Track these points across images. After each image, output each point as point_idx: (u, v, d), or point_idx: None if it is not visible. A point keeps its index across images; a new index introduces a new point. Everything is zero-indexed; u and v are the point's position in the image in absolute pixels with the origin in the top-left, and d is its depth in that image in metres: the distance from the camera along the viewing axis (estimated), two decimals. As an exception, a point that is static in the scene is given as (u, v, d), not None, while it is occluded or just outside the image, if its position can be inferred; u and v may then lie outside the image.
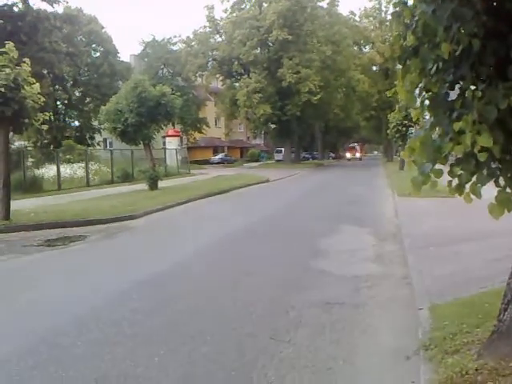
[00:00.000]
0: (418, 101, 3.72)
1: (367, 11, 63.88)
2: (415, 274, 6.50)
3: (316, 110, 47.65)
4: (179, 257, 8.33)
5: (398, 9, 3.63)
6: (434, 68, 3.37)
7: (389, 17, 54.52)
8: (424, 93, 3.63)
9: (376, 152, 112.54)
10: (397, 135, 33.68)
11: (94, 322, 5.15)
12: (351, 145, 78.02)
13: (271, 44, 47.07)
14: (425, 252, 7.80)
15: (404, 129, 32.27)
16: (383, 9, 61.74)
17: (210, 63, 52.24)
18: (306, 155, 68.40)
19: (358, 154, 71.85)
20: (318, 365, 4.05)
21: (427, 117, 3.80)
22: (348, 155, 71.65)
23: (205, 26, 51.92)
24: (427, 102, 3.64)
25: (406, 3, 3.57)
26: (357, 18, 63.65)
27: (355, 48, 60.51)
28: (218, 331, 4.85)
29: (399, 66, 3.76)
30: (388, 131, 36.06)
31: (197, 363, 4.14)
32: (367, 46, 64.11)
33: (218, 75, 53.12)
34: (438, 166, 3.40)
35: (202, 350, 4.38)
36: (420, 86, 3.62)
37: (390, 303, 5.70)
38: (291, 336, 4.63)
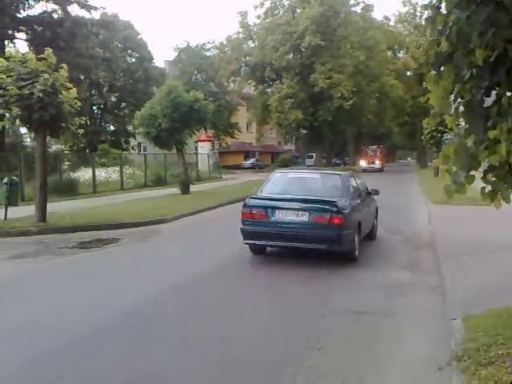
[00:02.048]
0: (453, 107, 3.67)
1: (401, 16, 63.16)
2: (448, 283, 6.38)
3: (348, 116, 47.30)
4: (210, 261, 8.37)
5: (431, 14, 3.59)
6: (468, 74, 3.32)
7: (424, 22, 53.75)
8: (459, 99, 3.58)
9: (409, 158, 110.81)
10: (431, 141, 33.18)
11: (125, 324, 5.23)
12: (368, 148, 53.09)
13: (304, 49, 47.00)
14: (459, 260, 7.65)
15: (438, 135, 31.75)
16: (418, 14, 60.89)
17: (242, 69, 52.60)
18: (338, 161, 67.82)
19: (377, 162, 49.44)
20: (348, 373, 4.01)
21: (462, 123, 3.74)
22: (363, 164, 49.65)
23: (238, 32, 52.35)
24: (462, 109, 3.58)
25: (440, 9, 3.52)
26: (391, 23, 63.05)
27: (389, 53, 59.84)
28: (248, 335, 4.86)
29: (433, 72, 3.71)
30: (422, 137, 35.57)
31: (226, 368, 4.16)
32: (401, 51, 63.29)
33: (250, 81, 53.42)
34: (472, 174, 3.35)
35: (230, 355, 4.39)
36: (454, 92, 3.57)
37: (422, 312, 5.61)
38: (321, 344, 4.60)
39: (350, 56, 46.06)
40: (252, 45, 52.70)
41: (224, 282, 7.10)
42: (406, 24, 62.92)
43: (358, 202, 8.97)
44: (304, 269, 7.74)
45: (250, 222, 8.28)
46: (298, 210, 7.99)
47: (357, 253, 8.22)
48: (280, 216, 8.05)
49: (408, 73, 61.25)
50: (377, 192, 10.78)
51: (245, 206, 8.44)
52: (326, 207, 7.88)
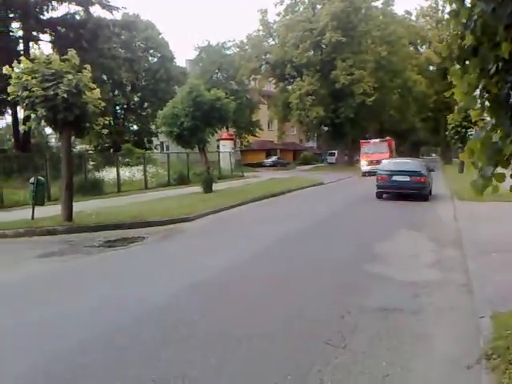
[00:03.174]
0: (478, 102, 3.61)
1: (423, 10, 62.42)
2: (476, 281, 6.28)
3: (370, 112, 46.92)
4: (235, 258, 8.41)
5: (455, 7, 3.54)
6: (494, 68, 3.26)
7: (446, 16, 52.98)
8: (484, 93, 3.52)
9: (434, 154, 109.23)
10: (455, 137, 32.71)
11: (152, 322, 5.29)
12: (370, 142, 37.86)
13: (324, 46, 46.77)
14: (486, 258, 7.53)
15: (463, 130, 31.29)
16: (440, 8, 60.05)
17: (263, 67, 52.60)
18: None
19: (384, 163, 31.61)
20: (374, 371, 3.99)
21: (488, 118, 3.68)
22: (363, 165, 35.30)
23: (258, 30, 52.38)
24: (487, 104, 3.53)
25: (464, 2, 3.46)
26: (413, 18, 62.35)
27: (411, 48, 59.16)
28: (273, 334, 4.87)
29: (457, 67, 3.66)
30: (446, 133, 35.07)
31: (252, 366, 4.17)
32: (424, 46, 62.48)
33: (270, 78, 53.40)
34: (500, 170, 3.28)
35: (257, 353, 4.41)
36: (479, 86, 3.51)
37: (450, 310, 5.54)
38: (347, 342, 4.58)
39: (372, 51, 45.68)
40: (272, 42, 52.67)
41: (242, 280, 7.11)
42: (428, 18, 62.15)
43: (428, 173, 18.38)
44: (327, 264, 7.73)
45: (380, 181, 18.15)
46: (403, 175, 17.67)
47: (429, 197, 18.00)
48: (394, 178, 17.69)
49: (431, 67, 60.51)
50: (433, 169, 21.57)
51: (377, 174, 18.56)
52: (417, 172, 17.64)
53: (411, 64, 53.57)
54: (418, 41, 61.55)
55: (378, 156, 32.66)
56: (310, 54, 47.24)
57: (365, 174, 33.59)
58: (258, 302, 5.95)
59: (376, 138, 39.04)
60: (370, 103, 43.53)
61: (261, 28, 52.25)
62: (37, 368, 4.19)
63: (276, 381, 3.88)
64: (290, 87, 50.48)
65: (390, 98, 49.56)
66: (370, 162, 33.43)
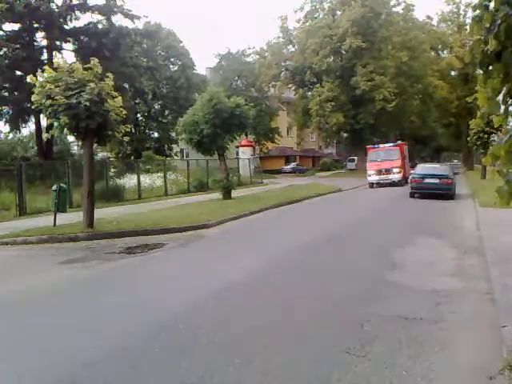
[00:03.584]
0: (502, 107, 3.55)
1: (444, 15, 61.87)
2: (499, 289, 6.15)
3: (390, 118, 46.64)
4: (254, 266, 8.39)
5: (478, 12, 3.49)
6: (518, 73, 3.21)
7: (468, 20, 52.48)
8: (508, 99, 3.46)
9: (455, 160, 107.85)
10: (478, 143, 32.26)
11: (171, 328, 5.30)
12: (378, 147, 31.91)
13: (344, 52, 46.70)
14: (509, 266, 7.37)
15: (485, 136, 30.84)
16: (461, 12, 59.50)
17: (282, 73, 52.73)
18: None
19: (395, 171, 29.80)
20: (394, 381, 3.93)
21: (511, 123, 3.62)
22: (371, 174, 30.08)
23: (278, 37, 52.58)
24: (511, 109, 3.46)
25: (488, 7, 3.42)
26: (434, 23, 61.80)
27: (432, 53, 58.65)
28: (293, 342, 4.84)
29: (480, 72, 3.61)
30: (468, 138, 34.61)
31: (271, 374, 4.14)
32: (445, 51, 61.91)
33: (290, 85, 53.49)
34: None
35: (276, 361, 4.38)
36: (503, 91, 3.45)
37: (472, 319, 5.43)
38: (366, 351, 4.52)
39: (392, 57, 45.46)
40: (292, 49, 52.81)
41: (262, 288, 7.08)
42: (449, 23, 61.64)
43: (453, 176, 21.67)
44: (346, 272, 7.68)
45: (414, 183, 20.97)
46: (433, 177, 20.59)
47: (454, 195, 20.79)
48: (426, 180, 20.57)
49: (452, 73, 59.89)
50: (458, 172, 28.29)
51: (412, 177, 21.46)
52: (445, 176, 20.68)
53: (432, 69, 53.14)
54: (440, 46, 61.00)
55: (388, 164, 29.25)
56: (329, 60, 47.21)
57: (372, 185, 29.39)
58: (276, 310, 5.92)
59: (386, 143, 33.57)
60: (390, 109, 43.27)
61: (281, 35, 52.45)
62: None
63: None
64: (309, 93, 50.50)
65: (411, 103, 49.19)
66: (379, 172, 29.31)
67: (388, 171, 29.28)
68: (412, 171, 23.57)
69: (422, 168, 22.97)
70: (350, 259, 8.90)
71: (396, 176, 29.30)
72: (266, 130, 53.47)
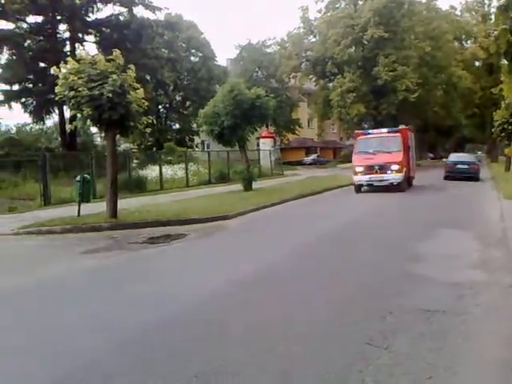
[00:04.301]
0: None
1: (468, 5, 60.70)
2: (524, 283, 6.07)
3: (413, 109, 46.00)
4: (275, 256, 8.42)
5: (503, 1, 3.43)
6: (546, 63, 3.14)
7: (493, 10, 51.38)
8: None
9: (479, 152, 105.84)
10: (502, 134, 31.65)
11: (193, 318, 5.35)
12: (370, 134, 22.95)
13: (366, 42, 46.13)
14: (535, 259, 7.26)
15: (510, 127, 30.22)
16: (486, 1, 58.26)
17: (303, 64, 52.32)
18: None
19: (394, 171, 20.06)
20: (417, 373, 3.91)
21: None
22: (358, 173, 20.71)
23: (299, 27, 52.09)
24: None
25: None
26: (457, 12, 60.65)
27: (456, 43, 57.58)
28: (313, 333, 4.84)
29: (505, 62, 3.55)
30: (492, 130, 34.01)
31: (291, 364, 4.15)
32: (469, 41, 60.75)
33: (311, 76, 53.05)
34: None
35: (296, 351, 4.39)
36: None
37: (496, 312, 5.37)
38: (389, 343, 4.50)
39: (415, 47, 44.79)
40: (313, 39, 52.29)
41: (282, 278, 7.10)
42: (473, 13, 60.42)
43: (478, 162, 28.84)
44: (367, 264, 7.66)
45: (448, 168, 27.39)
46: (463, 164, 27.00)
47: (479, 178, 26.49)
48: (457, 166, 26.83)
49: (476, 63, 58.76)
50: (480, 161, 36.02)
51: (446, 163, 28.55)
52: (473, 162, 27.51)
53: (456, 59, 52.16)
54: (463, 36, 59.89)
55: (383, 158, 20.02)
56: (351, 51, 46.68)
57: (360, 188, 20.77)
58: (297, 301, 5.93)
59: (380, 129, 24.07)
60: (412, 99, 42.66)
61: (301, 25, 51.94)
62: (72, 367, 4.32)
63: (316, 380, 3.87)
64: (330, 84, 50.02)
65: (434, 94, 48.40)
66: (370, 169, 20.08)
67: (383, 169, 20.01)
68: (447, 162, 28.89)
69: (454, 156, 30.13)
70: (371, 251, 8.86)
71: (394, 176, 19.94)
72: (286, 122, 53.26)
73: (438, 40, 47.00)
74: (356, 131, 25.01)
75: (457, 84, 51.23)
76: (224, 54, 64.01)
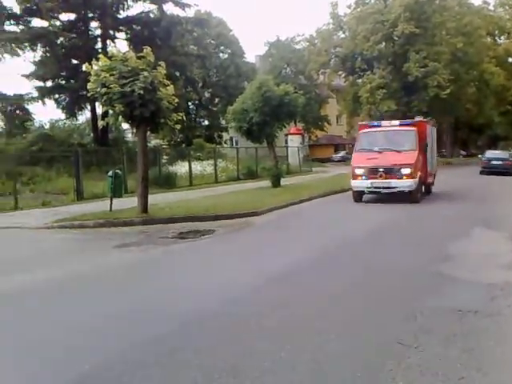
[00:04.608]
0: None
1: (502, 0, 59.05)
2: (559, 285, 5.95)
3: (444, 105, 45.09)
4: (303, 255, 8.42)
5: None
6: None
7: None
8: None
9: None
10: (536, 132, 31.28)
11: (223, 313, 5.42)
12: (377, 126, 17.78)
13: (396, 38, 45.40)
14: None
15: (544, 125, 29.77)
16: (521, -4, 56.69)
17: (332, 60, 51.86)
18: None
19: (405, 176, 15.32)
20: (448, 373, 3.88)
21: None
22: (358, 177, 16.14)
23: (328, 24, 51.63)
24: None
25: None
26: (490, 8, 59.11)
27: (489, 39, 56.18)
28: (344, 331, 4.86)
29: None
30: (526, 127, 33.44)
31: (323, 361, 4.17)
32: (502, 37, 59.23)
33: (340, 72, 52.55)
34: None
35: (327, 349, 4.41)
36: None
37: (530, 314, 5.29)
38: (419, 342, 4.48)
39: (447, 43, 43.88)
40: (342, 35, 51.75)
41: (312, 275, 7.11)
42: (507, 7, 58.74)
43: None
44: (398, 263, 7.61)
45: (483, 164, 31.76)
46: (497, 160, 31.32)
47: None
48: (492, 162, 31.19)
49: (510, 59, 57.30)
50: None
51: (482, 159, 32.71)
52: (506, 159, 31.60)
53: (489, 56, 50.92)
54: (496, 31, 58.39)
55: (390, 158, 15.70)
56: (381, 47, 46.07)
57: (360, 195, 16.70)
58: (327, 300, 5.94)
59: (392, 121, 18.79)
60: (444, 96, 41.88)
61: (331, 21, 51.46)
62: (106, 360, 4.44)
63: (347, 378, 3.89)
64: (359, 81, 49.46)
65: (466, 90, 47.41)
66: (373, 172, 15.79)
67: (390, 172, 15.61)
68: (483, 158, 32.95)
69: (489, 153, 33.97)
70: (401, 250, 8.80)
71: (404, 183, 15.48)
72: (315, 118, 53.04)
73: (470, 36, 45.97)
74: (359, 123, 20.69)
75: (489, 81, 50.07)
76: (253, 51, 64.15)
